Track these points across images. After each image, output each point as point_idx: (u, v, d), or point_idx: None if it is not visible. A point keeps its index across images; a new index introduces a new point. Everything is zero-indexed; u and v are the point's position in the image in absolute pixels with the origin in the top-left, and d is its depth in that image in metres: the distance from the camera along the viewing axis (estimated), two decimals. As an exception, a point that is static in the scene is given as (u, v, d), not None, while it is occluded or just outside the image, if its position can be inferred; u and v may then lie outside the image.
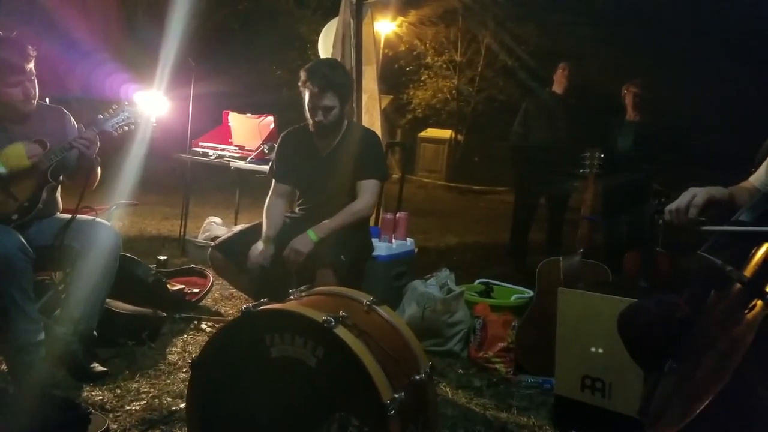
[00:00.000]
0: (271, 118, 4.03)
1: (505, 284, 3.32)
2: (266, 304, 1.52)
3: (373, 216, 3.55)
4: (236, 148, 4.17)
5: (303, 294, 1.68)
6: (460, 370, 2.56)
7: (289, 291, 1.66)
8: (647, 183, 3.07)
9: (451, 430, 1.99)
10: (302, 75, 2.39)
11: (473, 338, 2.76)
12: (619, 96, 4.04)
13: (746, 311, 1.19)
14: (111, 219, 2.57)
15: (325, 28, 3.82)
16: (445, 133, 12.24)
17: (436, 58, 11.96)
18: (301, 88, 2.41)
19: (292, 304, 1.56)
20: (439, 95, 12.40)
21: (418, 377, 1.52)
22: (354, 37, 3.33)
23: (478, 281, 3.36)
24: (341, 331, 1.39)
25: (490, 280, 3.34)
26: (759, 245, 1.29)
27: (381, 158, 2.55)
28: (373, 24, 3.72)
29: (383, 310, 1.63)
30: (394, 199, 3.95)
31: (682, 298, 1.43)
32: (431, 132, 12.33)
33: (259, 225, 2.49)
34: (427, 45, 11.66)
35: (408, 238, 3.37)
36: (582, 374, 2.00)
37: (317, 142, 2.51)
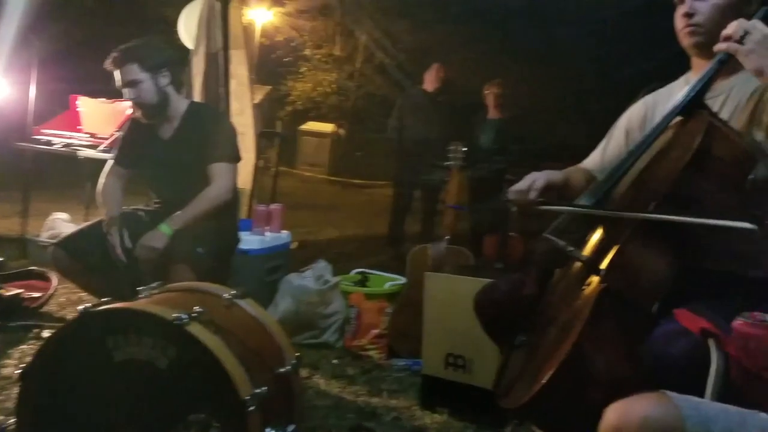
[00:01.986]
0: (127, 104, 3.69)
1: (381, 273, 3.37)
2: (108, 304, 1.39)
3: (245, 208, 3.43)
4: (87, 135, 3.77)
5: (155, 291, 1.56)
6: (335, 361, 2.56)
7: (136, 289, 1.53)
8: (505, 174, 3.29)
9: (323, 420, 1.97)
10: (105, 66, 2.27)
11: (348, 327, 2.78)
12: (483, 94, 4.34)
13: (584, 287, 1.30)
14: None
15: (185, 9, 3.61)
16: (327, 127, 12.19)
17: (314, 51, 11.86)
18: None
19: (139, 303, 1.44)
20: (319, 88, 12.32)
21: (282, 370, 1.47)
22: (220, 20, 3.17)
23: (354, 271, 3.37)
24: (195, 328, 1.30)
25: (366, 270, 3.38)
26: (595, 228, 1.41)
27: (231, 139, 2.39)
28: (242, 8, 3.57)
29: (246, 304, 1.56)
30: (269, 191, 3.85)
31: (530, 277, 1.54)
32: (312, 125, 12.20)
33: None
34: (306, 37, 11.52)
35: (283, 231, 3.29)
36: (446, 352, 2.08)
37: (156, 126, 2.34)
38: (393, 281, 3.19)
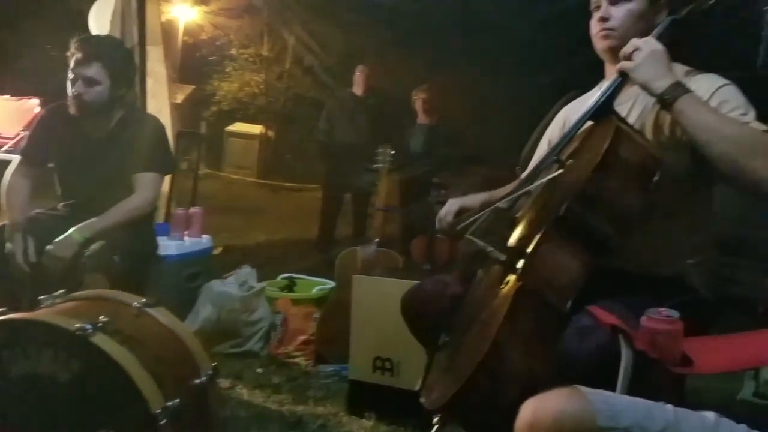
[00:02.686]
0: (35, 101, 3.47)
1: (309, 277, 3.31)
2: (4, 314, 1.27)
3: (163, 211, 3.27)
4: (-10, 135, 3.53)
5: (58, 300, 1.44)
6: (259, 369, 2.48)
7: (38, 298, 1.41)
8: (433, 177, 3.35)
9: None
10: (71, 44, 2.12)
11: (274, 334, 2.70)
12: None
13: (502, 286, 1.33)
14: None
15: (97, 1, 3.42)
16: (255, 129, 11.89)
17: (241, 51, 11.55)
18: (69, 60, 2.11)
19: (38, 313, 1.32)
20: (247, 89, 12.01)
21: (197, 381, 1.41)
22: (136, 15, 3.02)
23: (281, 276, 3.30)
24: (100, 339, 1.22)
25: (293, 274, 3.32)
26: (513, 229, 1.44)
27: (164, 149, 2.30)
28: (160, 3, 3.41)
29: (158, 312, 1.48)
30: (188, 194, 3.70)
31: (454, 277, 1.55)
32: (240, 126, 11.87)
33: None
34: (231, 36, 11.19)
35: (205, 235, 3.16)
36: (374, 356, 2.06)
37: (86, 123, 2.19)
38: (321, 286, 3.15)
